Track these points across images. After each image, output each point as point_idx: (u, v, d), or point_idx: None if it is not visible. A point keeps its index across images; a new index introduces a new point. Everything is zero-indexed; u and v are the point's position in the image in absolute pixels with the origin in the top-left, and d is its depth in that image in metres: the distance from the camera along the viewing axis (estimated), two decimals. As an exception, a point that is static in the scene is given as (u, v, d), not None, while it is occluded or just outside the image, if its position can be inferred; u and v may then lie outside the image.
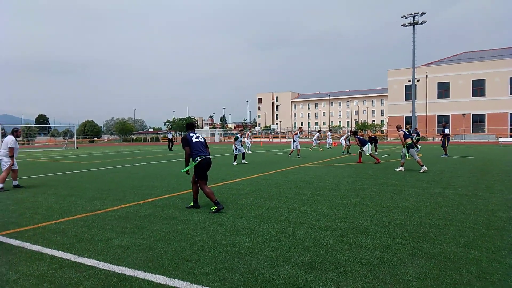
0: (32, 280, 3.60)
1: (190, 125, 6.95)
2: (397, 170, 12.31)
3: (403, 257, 4.03)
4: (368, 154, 15.36)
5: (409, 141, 12.38)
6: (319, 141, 28.19)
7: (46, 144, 66.04)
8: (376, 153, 19.52)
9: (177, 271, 3.75)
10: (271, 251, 4.31)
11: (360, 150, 15.78)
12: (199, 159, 6.42)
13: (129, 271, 3.77)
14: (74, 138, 47.10)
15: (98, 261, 4.07)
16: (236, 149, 16.25)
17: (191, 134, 6.65)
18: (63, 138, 66.84)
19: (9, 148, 9.61)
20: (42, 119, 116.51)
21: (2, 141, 10.07)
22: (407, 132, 12.99)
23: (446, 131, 19.07)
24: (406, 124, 47.92)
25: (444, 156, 18.46)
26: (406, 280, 3.43)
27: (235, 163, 15.81)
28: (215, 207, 6.34)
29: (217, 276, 3.60)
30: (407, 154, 12.50)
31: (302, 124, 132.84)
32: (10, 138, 9.74)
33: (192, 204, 6.82)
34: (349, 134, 22.03)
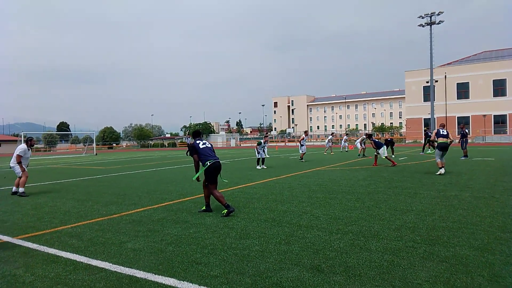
0: (46, 282, 3.72)
1: (196, 133, 7.13)
2: (438, 174, 11.49)
3: (413, 261, 3.98)
4: (383, 157, 15.15)
5: (440, 140, 11.53)
6: (331, 144, 27.77)
7: (67, 150, 67.74)
8: (393, 156, 19.24)
9: (186, 274, 3.80)
10: (280, 254, 4.33)
11: (375, 153, 15.60)
12: (208, 163, 6.52)
13: (140, 274, 3.85)
14: (94, 145, 48.16)
15: (111, 264, 4.17)
16: (258, 153, 16.39)
17: (197, 141, 6.81)
18: (83, 145, 68.40)
19: (16, 155, 9.96)
20: (63, 126, 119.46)
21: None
22: (441, 131, 12.06)
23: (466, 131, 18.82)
24: (424, 125, 47.06)
25: (463, 158, 18.06)
26: (416, 284, 3.39)
27: (259, 167, 15.87)
28: (226, 210, 6.40)
29: (225, 279, 3.64)
30: (438, 154, 11.62)
31: (318, 127, 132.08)
32: (21, 147, 10.11)
33: (204, 208, 6.89)
34: (365, 137, 21.81)
